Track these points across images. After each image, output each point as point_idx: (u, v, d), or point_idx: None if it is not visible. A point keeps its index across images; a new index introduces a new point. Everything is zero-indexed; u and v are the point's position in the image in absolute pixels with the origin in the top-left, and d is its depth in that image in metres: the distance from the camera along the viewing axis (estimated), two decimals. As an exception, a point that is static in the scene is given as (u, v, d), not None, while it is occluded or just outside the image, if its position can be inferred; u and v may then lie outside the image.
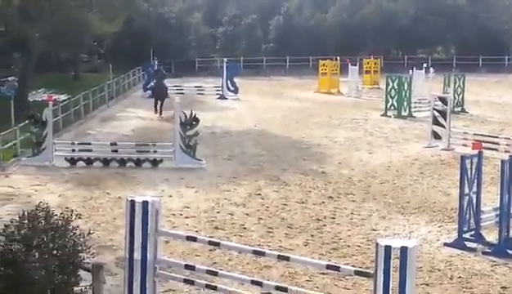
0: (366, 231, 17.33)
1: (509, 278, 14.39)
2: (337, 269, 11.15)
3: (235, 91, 46.30)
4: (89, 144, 25.82)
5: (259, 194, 20.73)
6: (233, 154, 26.85)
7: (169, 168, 23.83)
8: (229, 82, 46.54)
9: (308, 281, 13.73)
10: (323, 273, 13.90)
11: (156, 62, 48.03)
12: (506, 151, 25.49)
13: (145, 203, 11.34)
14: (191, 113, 24.48)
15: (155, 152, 24.81)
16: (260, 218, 18.31)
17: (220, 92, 46.25)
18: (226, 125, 34.13)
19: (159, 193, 20.02)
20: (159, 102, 36.39)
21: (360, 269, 11.46)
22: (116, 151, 24.84)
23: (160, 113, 36.10)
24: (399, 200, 20.41)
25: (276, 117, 37.15)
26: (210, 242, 11.87)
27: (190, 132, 24.28)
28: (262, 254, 12.20)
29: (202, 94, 46.61)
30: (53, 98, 27.40)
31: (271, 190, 21.24)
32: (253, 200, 20.12)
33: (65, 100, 36.67)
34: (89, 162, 24.29)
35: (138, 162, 24.32)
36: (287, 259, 11.97)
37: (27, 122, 25.14)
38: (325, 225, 17.78)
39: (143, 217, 11.31)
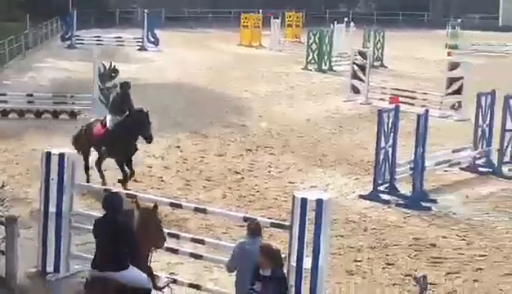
0: (283, 184, 17.49)
1: (421, 229, 14.77)
2: (253, 221, 11.25)
3: (156, 42, 45.93)
4: (4, 94, 25.19)
5: (178, 147, 20.68)
6: (154, 107, 26.51)
7: (88, 120, 23.38)
8: (149, 33, 46.16)
9: (225, 233, 13.82)
10: (240, 226, 13.98)
11: (75, 12, 46.89)
12: (422, 106, 25.95)
13: (61, 156, 11.21)
14: (111, 65, 24.05)
15: (73, 103, 24.41)
16: (178, 171, 18.29)
17: (140, 44, 45.76)
18: (147, 77, 33.64)
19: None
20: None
21: (276, 222, 11.62)
22: (32, 102, 24.35)
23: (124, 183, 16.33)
24: (317, 153, 20.63)
25: (199, 69, 36.90)
26: (127, 195, 11.83)
27: (109, 84, 23.88)
28: (179, 206, 12.26)
29: (122, 45, 45.90)
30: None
31: (191, 143, 21.20)
32: (172, 153, 20.05)
33: (-21, 50, 35.65)
34: (4, 113, 23.74)
35: (55, 114, 23.89)
36: (204, 211, 12.06)
37: None
38: (242, 178, 17.88)
39: (59, 170, 11.18)
